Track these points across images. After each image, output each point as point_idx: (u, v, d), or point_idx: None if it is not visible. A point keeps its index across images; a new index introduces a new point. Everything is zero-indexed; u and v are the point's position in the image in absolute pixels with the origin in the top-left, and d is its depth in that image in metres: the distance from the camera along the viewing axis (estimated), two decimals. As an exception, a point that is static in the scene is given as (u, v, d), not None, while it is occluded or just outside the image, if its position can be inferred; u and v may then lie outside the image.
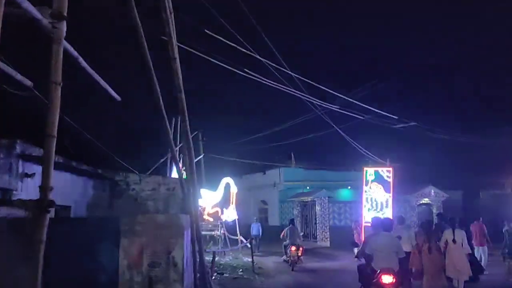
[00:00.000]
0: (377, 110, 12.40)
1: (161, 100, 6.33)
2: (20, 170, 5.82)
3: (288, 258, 14.28)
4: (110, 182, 9.53)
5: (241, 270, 13.21)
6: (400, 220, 10.84)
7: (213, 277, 10.53)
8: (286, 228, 15.36)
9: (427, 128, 15.44)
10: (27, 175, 5.89)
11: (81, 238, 5.50)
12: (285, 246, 14.67)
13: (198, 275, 7.30)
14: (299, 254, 14.07)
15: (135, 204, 9.42)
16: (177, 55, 6.82)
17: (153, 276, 5.59)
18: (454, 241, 8.96)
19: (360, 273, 7.54)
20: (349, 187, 29.78)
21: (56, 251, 5.73)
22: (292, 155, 29.84)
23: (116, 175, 9.61)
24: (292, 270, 13.44)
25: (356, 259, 8.74)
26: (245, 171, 34.56)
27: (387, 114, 12.83)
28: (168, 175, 14.97)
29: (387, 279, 6.33)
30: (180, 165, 17.14)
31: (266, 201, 32.14)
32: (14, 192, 5.66)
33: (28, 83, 4.97)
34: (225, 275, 12.30)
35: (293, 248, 13.86)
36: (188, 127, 6.96)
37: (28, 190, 5.95)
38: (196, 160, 20.89)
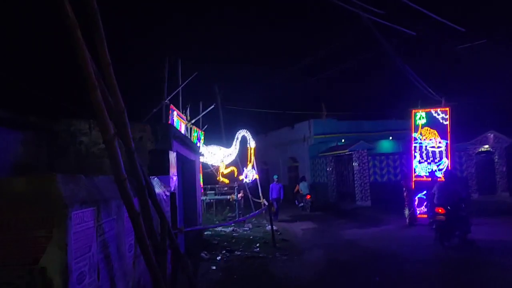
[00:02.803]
0: (436, 17, 8.54)
1: None
2: None
3: (304, 205, 17.84)
4: (47, 133, 6.47)
5: (258, 244, 10.16)
6: None
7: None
8: (300, 184, 18.42)
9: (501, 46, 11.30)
10: None
11: None
12: (301, 196, 18.23)
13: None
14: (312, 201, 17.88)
15: (85, 163, 6.36)
16: None
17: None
18: None
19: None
20: (391, 138, 25.98)
21: None
22: (323, 104, 26.05)
23: (55, 124, 6.53)
24: (310, 211, 17.28)
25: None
26: (271, 127, 31.33)
27: (450, 24, 8.95)
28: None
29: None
30: (180, 114, 13.98)
31: (296, 158, 28.83)
32: None
33: None
34: (236, 253, 9.29)
35: (308, 196, 17.82)
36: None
37: None
38: (208, 110, 17.67)
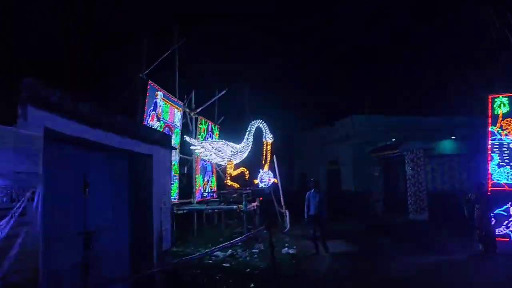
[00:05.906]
0: None
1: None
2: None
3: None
4: None
5: (253, 285, 6.66)
6: None
7: None
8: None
9: None
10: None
11: None
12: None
13: None
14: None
15: None
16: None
17: None
18: None
19: None
20: (453, 137, 21.47)
21: None
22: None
23: None
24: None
25: None
26: (308, 126, 27.73)
27: None
28: (139, 117, 8.61)
29: None
30: (170, 96, 10.76)
31: (337, 160, 24.87)
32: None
33: None
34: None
35: None
36: None
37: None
38: (218, 96, 14.09)
